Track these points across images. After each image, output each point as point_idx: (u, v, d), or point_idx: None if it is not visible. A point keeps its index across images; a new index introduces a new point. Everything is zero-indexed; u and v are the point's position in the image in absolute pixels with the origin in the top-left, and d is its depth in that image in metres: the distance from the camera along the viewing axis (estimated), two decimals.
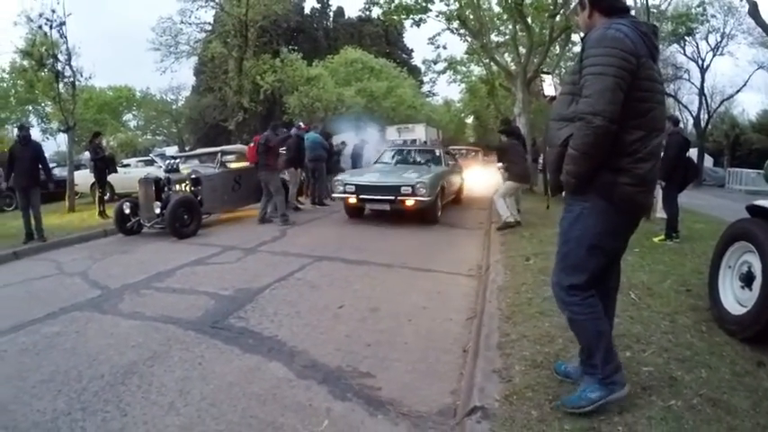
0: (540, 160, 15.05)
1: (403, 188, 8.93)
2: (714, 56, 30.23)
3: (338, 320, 4.41)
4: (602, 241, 2.50)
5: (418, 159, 11.51)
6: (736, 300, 3.80)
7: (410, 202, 8.88)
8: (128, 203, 9.24)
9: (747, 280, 3.70)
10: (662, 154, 7.53)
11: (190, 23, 26.79)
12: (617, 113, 2.24)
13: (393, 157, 11.84)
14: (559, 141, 2.46)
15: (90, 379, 3.33)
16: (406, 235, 8.47)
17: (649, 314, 3.99)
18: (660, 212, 8.33)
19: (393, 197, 9.01)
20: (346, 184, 9.50)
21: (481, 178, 14.78)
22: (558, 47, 19.11)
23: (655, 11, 18.87)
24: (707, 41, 29.50)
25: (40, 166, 8.63)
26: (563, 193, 2.64)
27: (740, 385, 2.84)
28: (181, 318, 4.47)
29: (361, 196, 9.40)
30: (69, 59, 14.44)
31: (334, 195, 10.58)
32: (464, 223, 9.98)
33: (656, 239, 7.19)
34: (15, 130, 33.04)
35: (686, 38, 27.87)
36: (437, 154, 11.65)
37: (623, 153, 2.35)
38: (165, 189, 9.16)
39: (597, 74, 2.25)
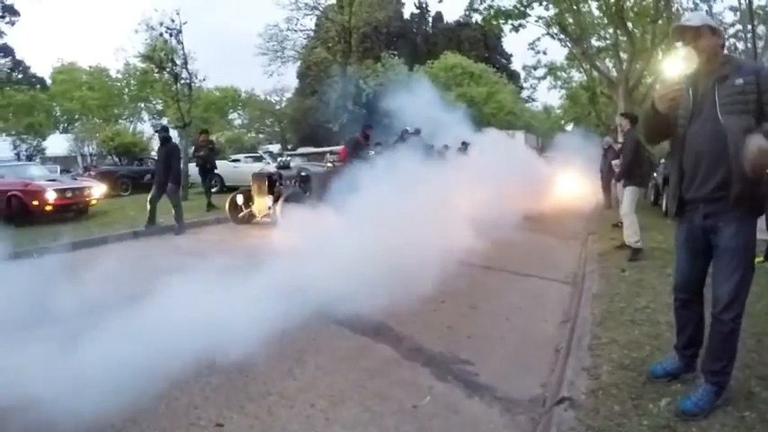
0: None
1: None
2: None
3: (440, 313, 4.78)
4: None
5: None
6: None
7: None
8: (241, 195, 10.14)
9: None
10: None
11: (295, 30, 28.19)
12: None
13: None
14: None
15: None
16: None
17: None
18: (762, 234, 7.88)
19: None
20: None
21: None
22: (660, 53, 18.44)
23: (761, 12, 17.69)
24: None
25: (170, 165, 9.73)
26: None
27: None
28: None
29: None
30: (186, 63, 15.88)
31: None
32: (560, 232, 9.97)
33: (756, 260, 6.88)
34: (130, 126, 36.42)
35: None
36: None
37: None
38: (277, 184, 9.88)
39: None
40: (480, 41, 45.66)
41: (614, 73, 18.48)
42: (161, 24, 15.72)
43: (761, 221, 7.64)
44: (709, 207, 2.78)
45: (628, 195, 7.26)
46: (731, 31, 19.70)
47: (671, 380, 3.17)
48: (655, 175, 11.83)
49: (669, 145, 3.08)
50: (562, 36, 18.59)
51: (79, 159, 33.45)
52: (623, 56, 17.19)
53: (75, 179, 13.85)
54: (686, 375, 3.19)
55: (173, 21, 15.46)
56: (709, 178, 2.74)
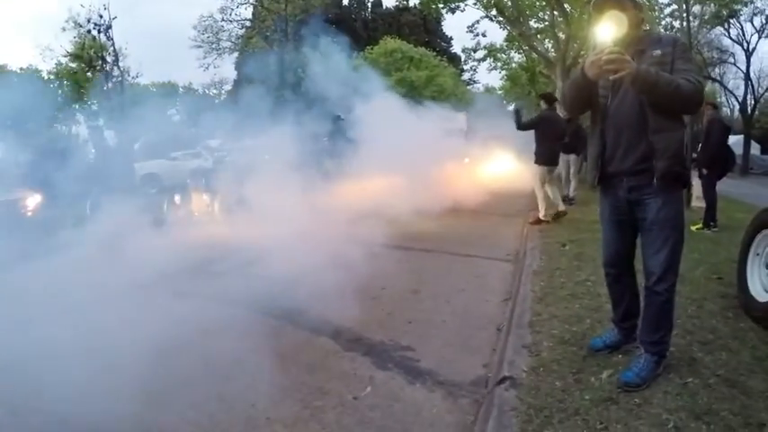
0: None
1: None
2: (760, 38, 28.95)
3: (380, 300, 4.68)
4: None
5: None
6: (763, 287, 3.87)
7: None
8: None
9: None
10: (702, 141, 7.61)
11: (230, 20, 27.46)
12: None
13: None
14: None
15: None
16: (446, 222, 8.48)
17: (678, 299, 4.13)
18: (698, 201, 8.29)
19: None
20: None
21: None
22: None
23: None
24: (752, 23, 28.31)
25: None
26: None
27: (759, 368, 2.96)
28: (235, 300, 4.67)
29: None
30: (117, 60, 15.18)
31: None
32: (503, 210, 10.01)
33: (693, 228, 7.16)
34: (65, 129, 34.83)
35: (730, 20, 26.79)
36: None
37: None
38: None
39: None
40: (420, 26, 45.66)
41: (552, 53, 18.79)
42: (89, 21, 15.00)
43: (698, 189, 7.97)
44: (632, 180, 2.78)
45: (535, 174, 8.32)
46: (667, 10, 20.30)
47: (611, 352, 3.18)
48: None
49: (590, 116, 3.05)
50: (501, 18, 18.74)
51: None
52: (561, 36, 17.44)
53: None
54: (627, 346, 3.19)
55: (101, 17, 14.76)
56: (630, 152, 2.74)
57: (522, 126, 8.19)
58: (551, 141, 8.11)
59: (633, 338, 3.15)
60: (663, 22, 21.40)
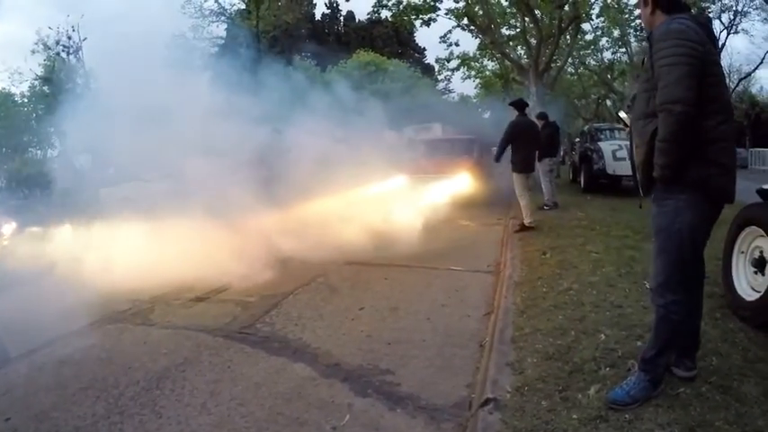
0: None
1: None
2: (728, 34, 29.60)
3: (359, 322, 4.53)
4: (698, 233, 2.57)
5: None
6: (749, 285, 3.80)
7: None
8: None
9: (760, 265, 3.70)
10: None
11: (203, 39, 27.29)
12: (695, 99, 2.31)
13: None
14: (646, 138, 2.52)
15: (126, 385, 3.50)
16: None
17: None
18: None
19: None
20: None
21: None
22: (568, 37, 19.02)
23: None
24: (720, 20, 28.86)
25: None
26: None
27: (751, 372, 2.88)
28: (209, 325, 4.60)
29: None
30: (88, 82, 14.91)
31: None
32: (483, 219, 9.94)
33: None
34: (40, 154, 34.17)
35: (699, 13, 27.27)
36: None
37: (708, 140, 2.42)
38: None
39: (670, 64, 2.34)
40: (393, 38, 45.96)
41: (525, 59, 18.91)
42: (57, 43, 14.70)
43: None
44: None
45: (515, 181, 8.17)
46: (637, 12, 20.48)
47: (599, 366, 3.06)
48: (573, 153, 12.12)
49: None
50: (472, 27, 18.82)
51: None
52: (533, 42, 17.55)
53: None
54: (618, 360, 3.10)
55: (69, 38, 14.49)
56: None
57: (499, 152, 8.32)
58: (526, 148, 8.11)
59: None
60: (633, 24, 21.73)
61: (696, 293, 2.73)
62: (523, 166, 8.12)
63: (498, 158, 8.43)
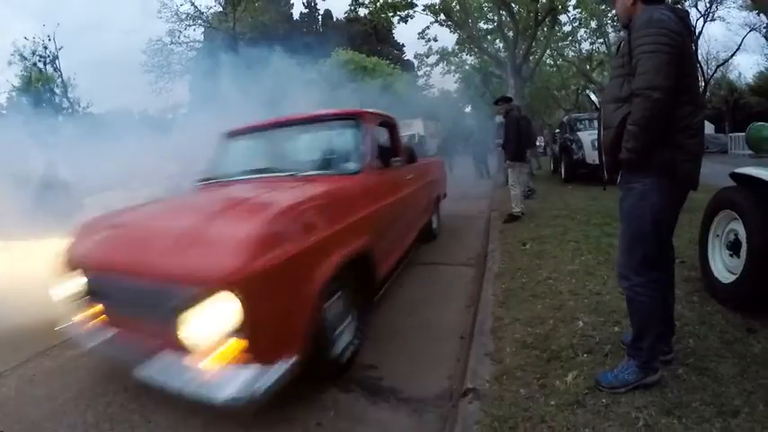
0: (539, 142, 14.87)
1: None
2: (705, 22, 30.05)
3: None
4: (665, 217, 2.61)
5: None
6: (725, 268, 3.87)
7: None
8: None
9: (735, 248, 3.77)
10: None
11: (180, 43, 27.09)
12: (672, 88, 2.37)
13: None
14: (616, 122, 2.57)
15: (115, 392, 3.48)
16: None
17: None
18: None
19: None
20: None
21: None
22: (545, 29, 19.14)
23: None
24: (696, 8, 29.30)
25: None
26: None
27: (728, 353, 2.94)
28: None
29: None
30: (66, 92, 14.74)
31: None
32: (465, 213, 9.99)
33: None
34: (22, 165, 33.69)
35: (675, 6, 27.51)
36: None
37: (678, 128, 2.48)
38: None
39: (650, 52, 2.38)
40: (372, 35, 45.85)
41: (502, 52, 19.00)
42: (34, 53, 14.53)
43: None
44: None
45: (510, 171, 8.57)
46: None
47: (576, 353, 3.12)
48: (554, 144, 12.17)
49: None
50: (450, 22, 18.88)
51: None
52: (510, 35, 17.64)
53: None
54: (595, 347, 3.17)
55: (45, 48, 14.33)
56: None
57: (513, 147, 8.46)
58: (520, 139, 8.41)
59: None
60: (610, 15, 21.89)
61: (664, 276, 2.77)
62: (515, 155, 8.45)
63: (512, 153, 8.51)
